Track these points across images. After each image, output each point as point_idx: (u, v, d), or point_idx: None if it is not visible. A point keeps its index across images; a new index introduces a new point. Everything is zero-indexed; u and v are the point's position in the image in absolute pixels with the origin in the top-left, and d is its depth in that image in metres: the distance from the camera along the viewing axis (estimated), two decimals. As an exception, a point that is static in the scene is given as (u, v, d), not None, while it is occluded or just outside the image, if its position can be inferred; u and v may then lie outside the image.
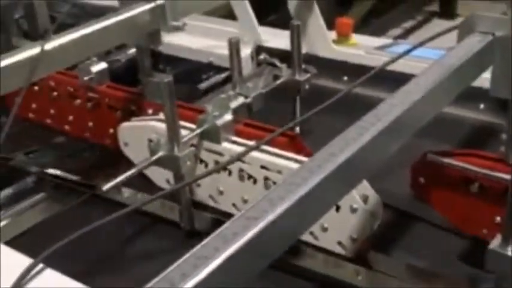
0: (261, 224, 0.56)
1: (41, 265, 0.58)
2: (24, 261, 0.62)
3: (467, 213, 0.94)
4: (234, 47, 1.08)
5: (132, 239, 1.02)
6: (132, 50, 1.43)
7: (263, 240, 0.56)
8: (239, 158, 0.93)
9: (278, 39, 1.56)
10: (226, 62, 1.53)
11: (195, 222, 1.03)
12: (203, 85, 1.49)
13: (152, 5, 1.06)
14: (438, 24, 3.07)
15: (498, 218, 0.90)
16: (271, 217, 0.57)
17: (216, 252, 0.53)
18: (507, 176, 0.87)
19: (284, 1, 1.60)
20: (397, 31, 2.96)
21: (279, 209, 0.58)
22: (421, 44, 0.99)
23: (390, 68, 1.03)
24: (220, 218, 1.03)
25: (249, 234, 0.55)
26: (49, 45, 0.94)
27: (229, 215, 1.01)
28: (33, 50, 0.92)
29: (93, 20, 1.03)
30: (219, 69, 1.55)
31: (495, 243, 0.72)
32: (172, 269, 0.51)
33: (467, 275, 0.91)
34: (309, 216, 0.62)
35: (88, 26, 1.01)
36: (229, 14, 1.71)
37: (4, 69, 0.88)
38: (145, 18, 1.07)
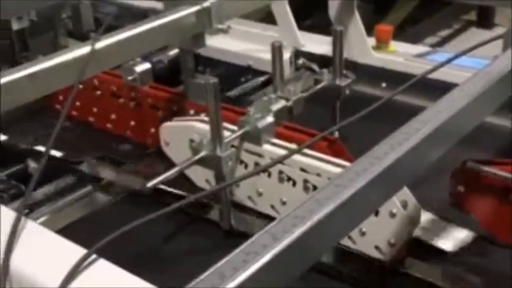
0: (308, 224, 0.57)
1: (94, 256, 0.61)
2: (75, 250, 0.64)
3: (506, 222, 0.94)
4: (277, 50, 1.09)
5: (170, 237, 1.03)
6: (174, 51, 1.46)
7: (309, 240, 0.57)
8: (281, 160, 0.95)
9: (316, 44, 1.58)
10: (264, 66, 1.57)
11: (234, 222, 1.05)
12: (232, 93, 1.51)
13: (198, 7, 1.08)
14: (475, 33, 3.05)
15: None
16: (317, 217, 0.58)
17: (265, 249, 0.54)
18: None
19: (319, 7, 1.62)
20: (433, 39, 2.94)
21: (326, 210, 0.59)
22: (463, 53, 0.99)
23: (430, 76, 1.04)
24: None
25: (297, 233, 0.56)
26: (98, 45, 0.97)
27: (266, 216, 1.04)
28: (83, 50, 0.95)
29: (140, 22, 1.05)
30: (258, 73, 1.57)
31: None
32: (222, 263, 0.53)
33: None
34: (353, 219, 0.63)
35: (135, 28, 1.03)
36: (265, 17, 1.73)
37: (55, 67, 0.90)
38: (191, 20, 1.09)
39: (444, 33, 3.07)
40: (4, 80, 0.85)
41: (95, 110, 1.32)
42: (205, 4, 1.09)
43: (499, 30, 3.02)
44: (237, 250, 0.54)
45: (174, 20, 1.07)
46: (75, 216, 1.10)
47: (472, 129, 0.78)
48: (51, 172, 1.15)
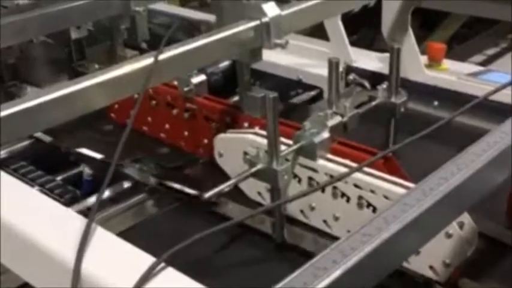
0: (377, 241, 0.58)
1: (162, 264, 0.62)
2: (143, 258, 0.65)
3: None
4: (334, 66, 1.10)
5: (223, 247, 1.04)
6: (226, 63, 1.49)
7: (377, 257, 0.58)
8: (341, 178, 0.95)
9: (368, 60, 1.58)
10: (315, 80, 1.58)
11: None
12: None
13: (257, 22, 1.10)
14: (522, 53, 3.01)
15: None
16: (385, 235, 0.59)
17: (335, 265, 0.55)
18: None
19: (365, 22, 1.62)
20: (479, 57, 2.92)
21: (393, 228, 0.60)
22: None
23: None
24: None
25: (366, 250, 0.57)
26: (161, 57, 0.99)
27: (317, 231, 1.04)
28: (147, 61, 0.97)
29: (201, 35, 1.08)
30: (307, 87, 1.58)
31: None
32: (293, 277, 0.54)
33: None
34: (420, 238, 0.64)
35: (196, 41, 1.05)
36: (312, 32, 1.74)
37: (122, 77, 0.93)
38: (250, 35, 1.10)
39: (491, 51, 3.04)
40: (73, 88, 0.88)
41: (149, 119, 1.34)
42: (265, 19, 1.10)
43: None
44: (307, 265, 0.55)
45: (234, 34, 1.08)
46: (127, 224, 1.12)
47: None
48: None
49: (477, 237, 0.91)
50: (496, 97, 1.12)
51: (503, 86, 0.97)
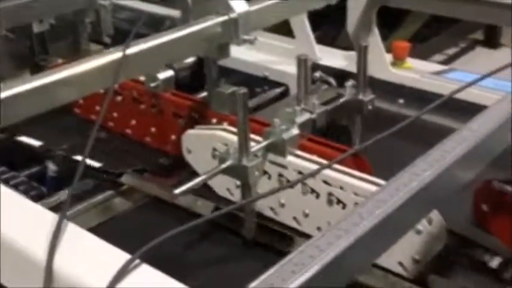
0: (352, 237, 0.58)
1: (137, 261, 0.61)
2: (117, 254, 0.64)
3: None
4: (302, 63, 1.10)
5: (192, 244, 1.04)
6: (192, 59, 1.47)
7: (353, 252, 0.58)
8: (312, 175, 0.95)
9: (333, 58, 1.59)
10: (280, 77, 1.58)
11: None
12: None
13: (226, 17, 1.09)
14: (481, 53, 3.08)
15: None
16: (361, 231, 0.59)
17: (312, 260, 0.55)
18: None
19: (328, 20, 1.62)
20: (440, 57, 2.97)
21: (368, 224, 0.60)
22: (489, 74, 1.00)
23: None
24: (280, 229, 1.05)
25: (342, 245, 0.57)
26: (129, 51, 0.97)
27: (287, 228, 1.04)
28: (115, 55, 0.95)
29: (170, 30, 1.07)
30: (273, 84, 1.58)
31: None
32: (270, 273, 0.54)
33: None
34: (393, 233, 0.64)
35: (165, 35, 1.04)
36: (277, 29, 1.74)
37: (88, 72, 0.91)
38: (218, 30, 1.10)
39: (451, 51, 3.09)
40: (37, 83, 0.86)
41: (115, 115, 1.32)
42: (233, 15, 1.10)
43: (505, 50, 3.06)
44: (284, 261, 0.55)
45: (203, 29, 1.08)
46: (94, 222, 1.10)
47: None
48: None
49: (446, 233, 0.93)
50: (460, 96, 1.14)
51: (468, 85, 0.98)
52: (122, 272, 0.59)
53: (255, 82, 1.59)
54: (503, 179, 0.96)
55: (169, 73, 1.23)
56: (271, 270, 0.54)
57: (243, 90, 0.94)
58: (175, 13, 1.65)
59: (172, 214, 1.09)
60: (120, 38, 1.04)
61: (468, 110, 0.83)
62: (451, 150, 0.70)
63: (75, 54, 1.42)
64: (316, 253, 0.56)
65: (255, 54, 1.63)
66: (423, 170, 0.67)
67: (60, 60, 1.46)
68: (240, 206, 0.96)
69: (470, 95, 1.19)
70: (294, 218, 1.04)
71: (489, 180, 0.97)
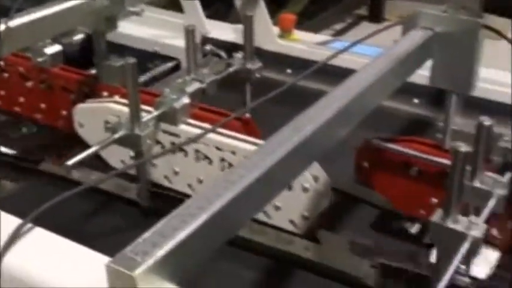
0: (221, 202, 0.59)
1: (29, 225, 0.61)
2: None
3: (406, 195, 1.02)
4: (190, 34, 1.12)
5: (89, 216, 1.04)
6: (81, 35, 1.45)
7: (223, 218, 0.59)
8: (196, 139, 0.98)
9: (222, 31, 1.62)
10: (171, 52, 1.59)
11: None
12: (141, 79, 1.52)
13: (111, -11, 1.09)
14: (367, 27, 3.20)
15: (434, 200, 0.99)
16: (230, 195, 0.60)
17: (201, 211, 0.57)
18: (443, 161, 0.96)
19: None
20: (328, 32, 3.06)
21: (239, 188, 0.61)
22: (360, 40, 1.06)
23: (332, 62, 1.10)
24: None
25: (209, 212, 0.58)
26: (12, 24, 0.96)
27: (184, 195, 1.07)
28: (-3, 28, 0.93)
29: (54, 2, 1.05)
30: (165, 59, 1.59)
31: (436, 217, 0.80)
32: (163, 224, 0.56)
33: (406, 250, 0.99)
34: (266, 194, 0.67)
35: (48, 7, 1.03)
36: (167, 4, 1.75)
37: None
38: (104, 2, 1.09)
39: (338, 26, 3.20)
40: None
41: (1, 92, 1.29)
42: (118, -13, 1.10)
43: (388, 24, 3.19)
44: (175, 212, 0.57)
45: (89, 1, 1.07)
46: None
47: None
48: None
49: (330, 190, 0.98)
50: (341, 62, 1.20)
51: (341, 51, 1.04)
52: (14, 236, 0.59)
53: (147, 58, 1.60)
54: (382, 137, 1.03)
55: (57, 48, 1.22)
56: (163, 221, 0.56)
57: (132, 60, 0.95)
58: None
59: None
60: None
61: (345, 75, 0.88)
62: (329, 106, 0.75)
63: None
64: (205, 204, 0.58)
65: (145, 30, 1.63)
66: (293, 134, 0.70)
67: None
68: (128, 167, 0.97)
69: (349, 62, 1.25)
70: (189, 185, 1.06)
71: (369, 139, 1.03)
